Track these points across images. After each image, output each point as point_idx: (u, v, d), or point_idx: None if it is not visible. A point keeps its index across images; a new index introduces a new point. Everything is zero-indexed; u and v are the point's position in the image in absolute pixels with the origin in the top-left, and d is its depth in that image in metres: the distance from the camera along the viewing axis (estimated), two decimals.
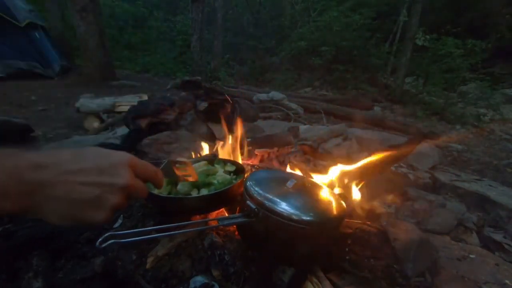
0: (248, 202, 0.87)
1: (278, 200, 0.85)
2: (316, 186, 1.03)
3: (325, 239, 0.92)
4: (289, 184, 0.92)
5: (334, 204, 0.93)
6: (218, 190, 0.98)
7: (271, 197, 0.86)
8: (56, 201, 0.43)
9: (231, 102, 2.47)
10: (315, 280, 0.94)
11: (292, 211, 0.82)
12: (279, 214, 0.82)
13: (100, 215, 0.46)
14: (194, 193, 1.00)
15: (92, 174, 0.46)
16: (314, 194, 0.96)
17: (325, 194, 0.99)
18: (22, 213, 0.43)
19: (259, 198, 0.86)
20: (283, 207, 0.83)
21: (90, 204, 0.45)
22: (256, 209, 0.84)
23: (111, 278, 0.92)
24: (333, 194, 1.02)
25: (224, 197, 0.99)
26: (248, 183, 0.94)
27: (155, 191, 0.94)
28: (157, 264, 0.95)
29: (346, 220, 1.13)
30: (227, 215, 1.14)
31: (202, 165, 1.19)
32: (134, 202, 1.21)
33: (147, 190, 0.57)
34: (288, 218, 0.81)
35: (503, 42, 8.07)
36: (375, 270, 0.93)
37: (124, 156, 0.52)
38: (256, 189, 0.90)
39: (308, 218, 0.83)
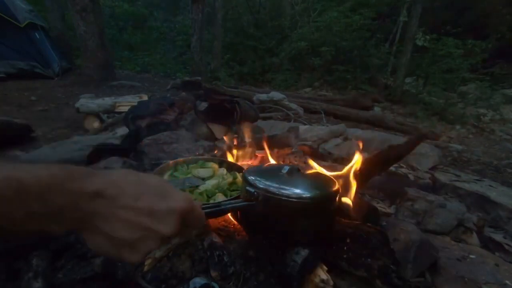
0: (247, 188, 0.95)
1: (274, 183, 0.93)
2: (309, 170, 1.12)
3: (320, 213, 0.98)
4: (284, 170, 1.01)
5: (326, 182, 1.01)
6: (229, 198, 1.06)
7: (267, 180, 0.95)
8: (100, 233, 0.44)
9: (232, 103, 2.47)
10: (325, 267, 0.94)
11: (287, 189, 0.91)
12: (275, 193, 0.90)
13: (133, 257, 0.46)
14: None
15: (143, 215, 0.45)
16: (307, 176, 1.06)
17: (318, 176, 1.09)
18: (64, 233, 0.44)
19: (257, 183, 0.94)
20: (279, 187, 0.91)
21: (128, 244, 0.45)
22: (255, 193, 0.91)
23: (111, 278, 0.92)
24: (326, 175, 1.11)
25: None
26: (246, 173, 1.03)
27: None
28: (155, 265, 0.95)
29: (346, 220, 1.13)
30: (233, 220, 1.16)
31: (210, 167, 1.23)
32: None
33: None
34: (284, 196, 0.90)
35: (503, 42, 8.06)
36: (371, 269, 0.94)
37: (182, 202, 0.49)
38: (254, 176, 0.98)
39: (300, 194, 0.91)
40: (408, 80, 7.71)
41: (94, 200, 0.42)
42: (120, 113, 3.33)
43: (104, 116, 3.40)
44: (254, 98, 4.57)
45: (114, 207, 0.43)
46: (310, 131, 2.66)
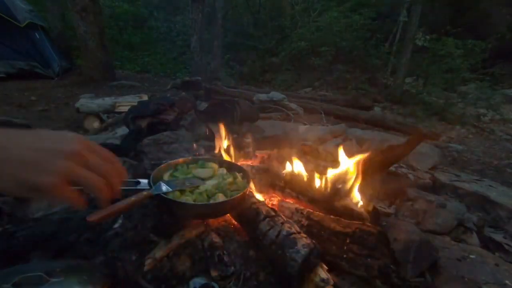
0: None
1: None
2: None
3: None
4: None
5: None
6: (229, 198, 1.04)
7: None
8: (4, 163, 0.45)
9: (231, 102, 2.47)
10: (325, 267, 0.94)
11: None
12: None
13: (44, 178, 0.46)
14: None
15: (40, 141, 0.49)
16: None
17: None
18: None
19: None
20: None
21: (34, 167, 0.46)
22: None
23: (111, 277, 0.92)
24: None
25: (233, 204, 1.07)
26: None
27: (183, 199, 1.00)
28: (155, 265, 0.95)
29: (346, 220, 1.13)
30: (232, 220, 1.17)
31: (211, 167, 1.23)
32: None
33: (123, 169, 0.57)
34: None
35: (503, 42, 8.05)
36: (371, 269, 0.94)
37: (75, 134, 0.53)
38: None
39: None
40: (408, 80, 7.71)
41: None
42: (120, 113, 3.33)
43: (104, 116, 3.40)
44: (254, 98, 4.57)
45: (9, 139, 0.47)
46: (310, 131, 2.66)
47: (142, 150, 1.76)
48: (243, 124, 2.50)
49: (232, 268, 0.94)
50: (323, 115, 4.61)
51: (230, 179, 1.16)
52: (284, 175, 1.47)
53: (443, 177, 2.21)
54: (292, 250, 0.91)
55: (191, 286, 0.89)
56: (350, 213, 1.22)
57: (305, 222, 1.15)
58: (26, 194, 0.47)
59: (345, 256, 0.99)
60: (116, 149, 1.78)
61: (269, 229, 1.00)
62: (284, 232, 0.97)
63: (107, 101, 3.53)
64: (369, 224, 1.08)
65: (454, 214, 1.53)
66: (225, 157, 1.52)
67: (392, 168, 2.22)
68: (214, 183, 1.14)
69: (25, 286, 0.64)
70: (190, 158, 1.33)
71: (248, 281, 0.93)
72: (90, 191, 0.50)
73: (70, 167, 0.48)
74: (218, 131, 1.69)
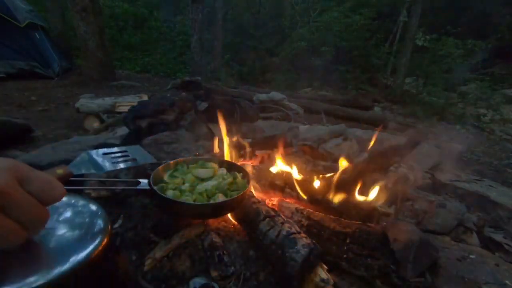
0: None
1: None
2: None
3: None
4: None
5: None
6: (229, 198, 1.03)
7: None
8: None
9: (231, 102, 2.47)
10: (325, 267, 0.94)
11: None
12: None
13: None
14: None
15: None
16: None
17: None
18: None
19: None
20: None
21: None
22: None
23: (111, 278, 0.92)
24: None
25: (233, 205, 1.06)
26: None
27: (183, 199, 0.99)
28: (155, 265, 0.95)
29: (346, 220, 1.13)
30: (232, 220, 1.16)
31: (210, 167, 1.23)
32: (134, 203, 1.21)
33: (47, 212, 0.41)
34: None
35: (503, 42, 8.06)
36: (372, 269, 0.94)
37: (6, 161, 0.38)
38: None
39: None
40: (408, 80, 7.73)
41: None
42: (120, 113, 3.33)
43: (104, 116, 3.40)
44: (254, 98, 4.58)
45: None
46: (310, 131, 2.66)
47: None
48: (243, 124, 2.50)
49: (232, 268, 0.94)
50: (323, 115, 4.61)
51: (230, 179, 1.16)
52: (284, 174, 1.47)
53: (443, 177, 2.21)
54: (292, 250, 0.91)
55: (191, 286, 0.89)
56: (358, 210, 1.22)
57: (305, 222, 1.15)
58: None
59: (345, 256, 0.99)
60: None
61: (269, 229, 1.00)
62: (284, 232, 0.97)
63: (107, 101, 3.53)
64: (369, 224, 1.08)
65: (454, 214, 1.53)
66: (229, 157, 1.51)
67: (392, 168, 2.22)
68: (214, 183, 1.14)
69: None
70: (190, 158, 1.33)
71: (248, 281, 0.93)
72: None
73: None
74: (220, 131, 1.69)
